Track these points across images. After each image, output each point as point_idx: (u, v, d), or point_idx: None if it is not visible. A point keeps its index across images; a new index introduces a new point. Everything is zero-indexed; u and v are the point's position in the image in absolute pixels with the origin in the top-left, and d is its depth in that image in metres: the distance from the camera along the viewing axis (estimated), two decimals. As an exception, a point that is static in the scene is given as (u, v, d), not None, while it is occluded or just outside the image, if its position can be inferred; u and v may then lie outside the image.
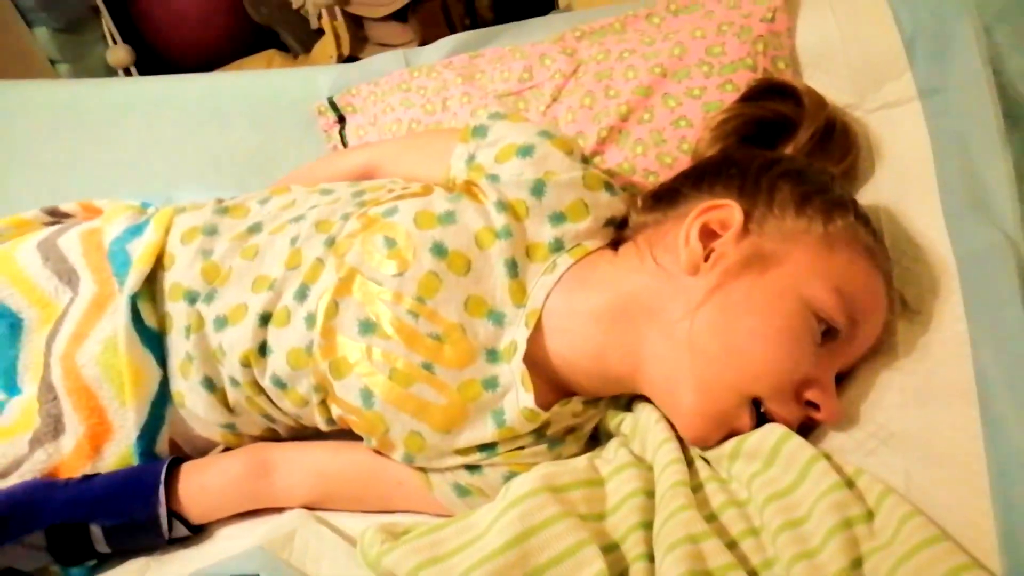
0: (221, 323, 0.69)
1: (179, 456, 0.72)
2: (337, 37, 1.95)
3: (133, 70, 1.98)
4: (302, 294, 0.67)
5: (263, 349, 0.68)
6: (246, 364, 0.69)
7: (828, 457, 0.59)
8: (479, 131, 0.74)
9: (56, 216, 0.87)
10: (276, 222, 0.72)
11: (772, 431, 0.61)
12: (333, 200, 0.73)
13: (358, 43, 1.99)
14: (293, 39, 2.07)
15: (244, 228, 0.73)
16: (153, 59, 2.03)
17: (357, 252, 0.67)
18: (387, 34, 1.96)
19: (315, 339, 0.66)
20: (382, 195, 0.73)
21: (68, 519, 0.66)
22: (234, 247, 0.72)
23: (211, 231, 0.74)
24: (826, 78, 0.82)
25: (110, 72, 1.98)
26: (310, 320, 0.67)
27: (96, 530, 0.66)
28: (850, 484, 0.57)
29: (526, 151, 0.70)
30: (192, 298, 0.71)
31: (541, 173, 0.69)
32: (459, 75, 0.91)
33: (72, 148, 1.05)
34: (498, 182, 0.70)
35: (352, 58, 1.92)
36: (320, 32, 1.99)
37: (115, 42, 1.96)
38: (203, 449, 0.75)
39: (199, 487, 0.69)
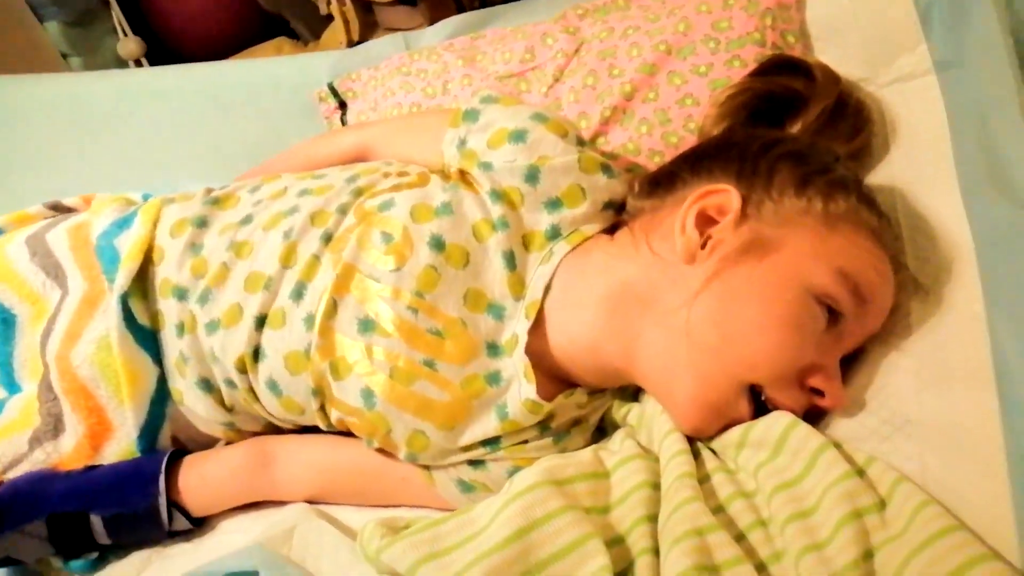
0: (214, 326, 0.68)
1: (181, 449, 0.72)
2: (346, 23, 1.93)
3: (144, 61, 1.98)
4: (298, 293, 0.66)
5: (257, 353, 0.67)
6: (242, 370, 0.67)
7: (838, 446, 0.57)
8: (470, 115, 0.72)
9: (59, 211, 0.86)
10: (268, 213, 0.71)
11: (779, 419, 0.59)
12: (326, 186, 0.72)
13: (367, 28, 1.97)
14: (302, 26, 2.06)
15: (235, 220, 0.72)
16: (163, 50, 2.03)
17: (353, 248, 0.65)
18: (397, 19, 1.94)
19: (313, 340, 0.64)
20: (376, 179, 0.71)
21: (69, 508, 0.66)
22: (225, 242, 0.70)
23: (201, 223, 0.72)
24: (838, 51, 0.79)
25: (121, 64, 1.98)
26: (309, 320, 0.65)
27: (96, 520, 0.66)
28: (861, 473, 0.55)
29: (518, 136, 0.68)
30: (181, 294, 0.70)
31: (534, 159, 0.67)
32: (460, 57, 0.89)
33: (76, 141, 1.05)
34: (491, 170, 0.68)
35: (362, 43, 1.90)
36: (329, 18, 1.97)
37: (125, 34, 1.96)
38: (205, 445, 0.74)
39: (199, 478, 0.69)
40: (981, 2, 0.71)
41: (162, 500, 0.66)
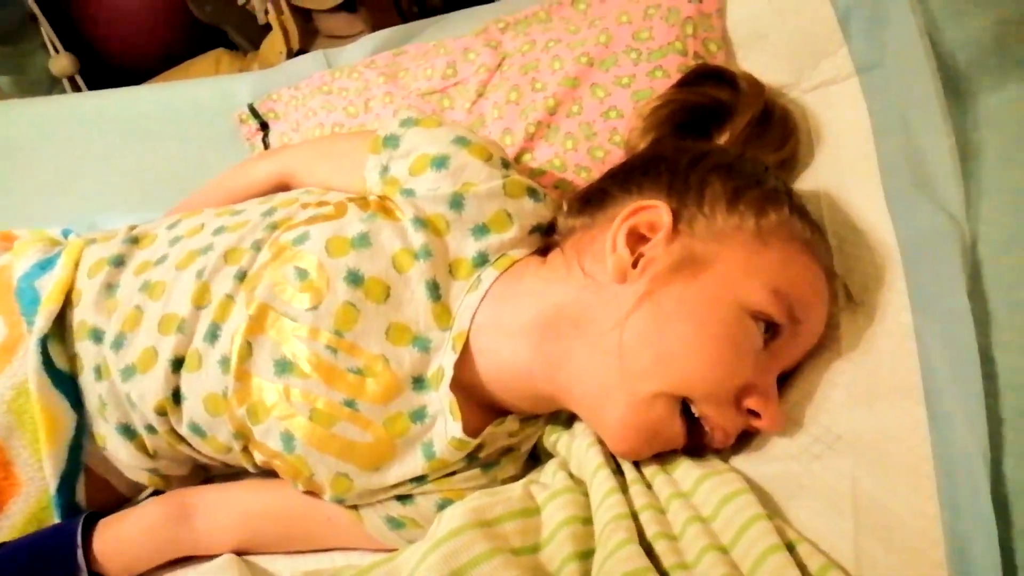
0: (129, 372, 0.65)
1: (93, 512, 0.68)
2: (285, 32, 1.90)
3: (78, 78, 1.93)
4: (212, 335, 0.64)
5: (177, 396, 0.65)
6: (161, 413, 0.65)
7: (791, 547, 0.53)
8: (390, 141, 0.70)
9: (-23, 248, 0.83)
10: (183, 252, 0.68)
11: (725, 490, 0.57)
12: (242, 223, 0.69)
13: (308, 36, 1.93)
14: (241, 36, 2.02)
15: (151, 259, 0.69)
16: (98, 65, 1.98)
17: (267, 286, 0.63)
18: (336, 26, 1.91)
19: (229, 383, 0.62)
20: (294, 211, 0.69)
21: None
22: (139, 282, 0.68)
23: (118, 262, 0.70)
24: (761, 58, 0.78)
25: (54, 82, 1.92)
26: (224, 363, 0.63)
27: None
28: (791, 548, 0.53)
29: (440, 162, 0.66)
30: (97, 336, 0.67)
31: (458, 186, 0.65)
32: (381, 74, 0.87)
33: (-9, 174, 1.01)
34: (414, 196, 0.66)
35: (303, 52, 1.86)
36: (268, 28, 1.93)
37: (57, 51, 1.91)
38: (130, 486, 0.72)
39: (115, 540, 0.66)
40: (898, 4, 0.70)
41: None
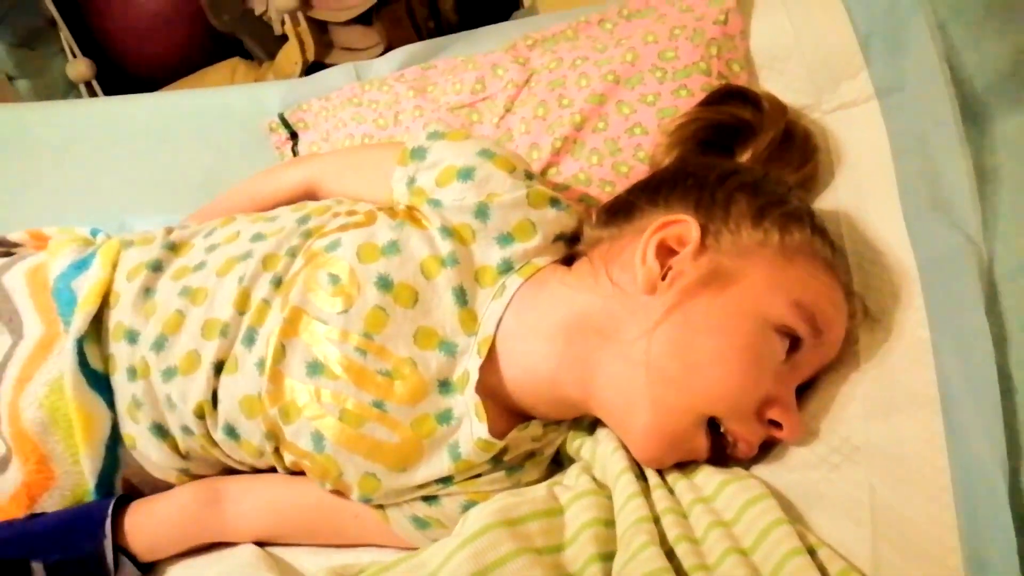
0: (171, 373, 0.67)
1: (129, 495, 0.70)
2: (301, 43, 1.92)
3: (94, 83, 1.95)
4: (250, 338, 0.65)
5: (215, 399, 0.66)
6: (200, 415, 0.66)
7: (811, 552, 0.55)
8: (417, 153, 0.71)
9: (5, 246, 0.84)
10: (222, 258, 0.70)
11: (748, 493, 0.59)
12: (278, 229, 0.71)
13: (323, 48, 1.96)
14: (257, 46, 2.04)
15: (190, 265, 0.71)
16: (115, 71, 2.00)
17: (300, 291, 0.65)
18: (352, 38, 1.93)
19: (263, 385, 0.64)
20: (327, 220, 0.71)
21: (9, 555, 0.63)
22: (178, 287, 0.69)
23: (156, 267, 0.71)
24: (782, 79, 0.81)
25: (70, 86, 1.94)
26: (260, 365, 0.64)
27: (38, 568, 0.63)
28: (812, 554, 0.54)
29: (466, 174, 0.68)
30: (132, 338, 0.69)
31: (483, 196, 0.67)
32: (411, 88, 0.89)
33: (19, 174, 1.03)
34: (440, 207, 0.68)
35: (317, 64, 1.89)
36: (284, 38, 1.95)
37: (75, 56, 1.93)
38: (160, 488, 0.72)
39: (145, 516, 0.67)
40: (918, 30, 0.72)
41: (108, 543, 0.64)
